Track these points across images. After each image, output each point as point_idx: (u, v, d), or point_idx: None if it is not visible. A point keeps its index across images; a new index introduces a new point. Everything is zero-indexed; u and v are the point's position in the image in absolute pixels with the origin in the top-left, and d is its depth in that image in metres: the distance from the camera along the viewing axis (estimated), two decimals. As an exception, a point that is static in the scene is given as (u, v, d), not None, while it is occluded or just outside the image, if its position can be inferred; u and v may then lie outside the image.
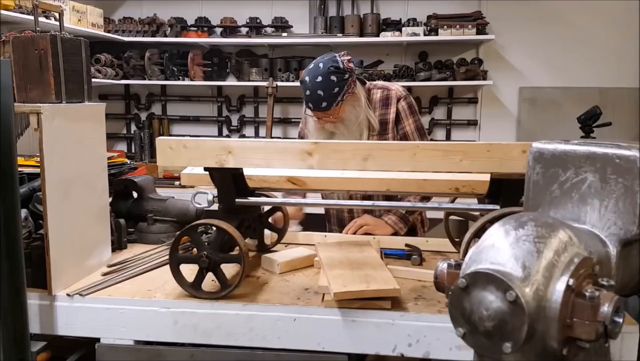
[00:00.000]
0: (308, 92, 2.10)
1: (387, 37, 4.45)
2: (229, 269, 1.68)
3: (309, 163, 1.56)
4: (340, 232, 2.31)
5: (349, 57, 2.16)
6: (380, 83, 2.35)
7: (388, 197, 2.14)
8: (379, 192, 1.96)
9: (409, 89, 4.54)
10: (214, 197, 1.76)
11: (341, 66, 2.10)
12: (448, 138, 4.69)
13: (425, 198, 2.19)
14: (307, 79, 2.11)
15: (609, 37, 4.46)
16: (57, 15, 2.15)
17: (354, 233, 2.21)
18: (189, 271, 1.61)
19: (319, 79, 2.07)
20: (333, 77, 2.08)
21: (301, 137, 2.48)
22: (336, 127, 2.18)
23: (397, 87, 2.32)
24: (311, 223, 2.50)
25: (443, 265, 0.95)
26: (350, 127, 2.17)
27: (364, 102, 2.21)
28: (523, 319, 0.75)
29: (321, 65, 2.10)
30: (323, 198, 2.28)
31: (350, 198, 2.16)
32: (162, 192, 2.36)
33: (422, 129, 2.31)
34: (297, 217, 2.40)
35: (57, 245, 1.60)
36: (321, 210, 2.62)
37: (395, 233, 2.23)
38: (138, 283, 1.72)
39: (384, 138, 2.23)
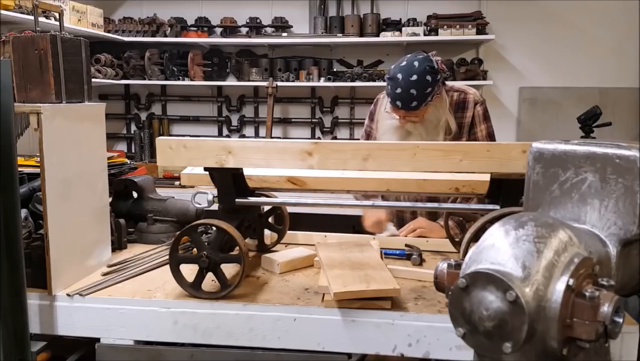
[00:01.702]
0: (399, 90, 2.04)
1: (387, 37, 4.45)
2: (229, 269, 1.68)
3: (309, 163, 1.56)
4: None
5: (440, 58, 2.15)
6: (456, 85, 2.33)
7: (432, 199, 2.12)
8: (379, 191, 1.96)
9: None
10: (214, 197, 1.76)
11: (436, 66, 2.08)
12: (448, 138, 4.69)
13: (467, 199, 2.16)
14: (399, 76, 2.05)
15: (609, 37, 4.47)
16: (57, 15, 2.15)
17: (406, 236, 2.19)
18: (189, 271, 1.61)
19: (414, 77, 2.03)
20: (428, 77, 2.05)
21: (367, 133, 2.44)
22: (415, 127, 2.14)
23: (474, 90, 2.32)
24: (312, 223, 2.50)
25: (443, 265, 0.95)
26: (429, 129, 2.15)
27: (447, 104, 2.20)
28: (523, 319, 0.75)
29: (416, 64, 2.06)
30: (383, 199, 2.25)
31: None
32: (162, 192, 2.35)
33: (493, 135, 2.31)
34: (390, 219, 2.36)
35: (57, 245, 1.60)
36: (321, 211, 2.62)
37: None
38: (138, 283, 1.72)
39: (459, 141, 2.21)
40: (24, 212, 1.75)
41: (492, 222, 1.43)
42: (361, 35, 4.52)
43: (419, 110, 2.09)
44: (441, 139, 2.17)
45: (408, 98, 2.05)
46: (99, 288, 1.66)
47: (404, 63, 2.09)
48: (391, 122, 2.18)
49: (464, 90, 2.30)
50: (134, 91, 5.09)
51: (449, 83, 2.35)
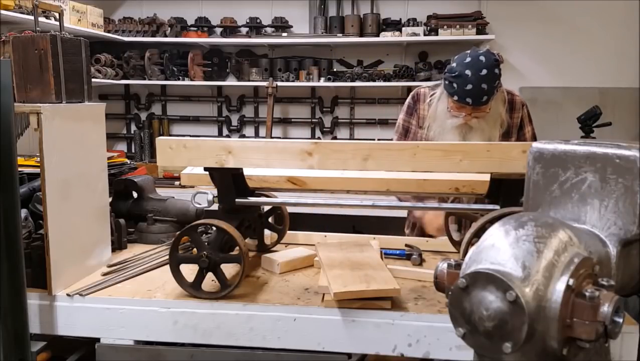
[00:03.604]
0: (470, 87, 2.01)
1: (387, 37, 4.45)
2: (229, 269, 1.68)
3: (309, 163, 1.56)
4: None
5: (497, 50, 2.15)
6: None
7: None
8: (379, 191, 1.96)
9: (408, 89, 4.59)
10: (214, 197, 1.76)
11: (498, 59, 2.08)
12: (448, 138, 4.69)
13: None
14: (468, 72, 2.01)
15: (609, 37, 4.46)
16: (57, 15, 2.15)
17: None
18: (189, 271, 1.61)
19: (484, 72, 2.01)
20: (496, 70, 2.04)
21: (405, 128, 2.36)
22: (479, 122, 2.12)
23: (517, 92, 2.33)
24: (312, 223, 2.49)
25: (443, 265, 0.95)
26: (490, 122, 2.14)
27: (505, 96, 2.20)
28: (523, 319, 0.75)
29: (483, 58, 2.04)
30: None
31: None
32: (162, 192, 2.35)
33: (536, 137, 2.32)
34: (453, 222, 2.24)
35: (57, 245, 1.60)
36: (321, 211, 2.60)
37: None
38: (138, 283, 1.72)
39: (507, 140, 2.21)
40: (24, 212, 1.75)
41: (492, 222, 1.43)
42: (361, 35, 4.52)
43: (489, 103, 2.08)
44: (498, 133, 2.16)
45: (480, 93, 2.02)
46: (99, 288, 1.66)
47: (469, 60, 2.05)
48: (452, 120, 2.14)
49: (510, 92, 2.30)
50: (134, 91, 5.09)
51: None
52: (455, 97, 2.07)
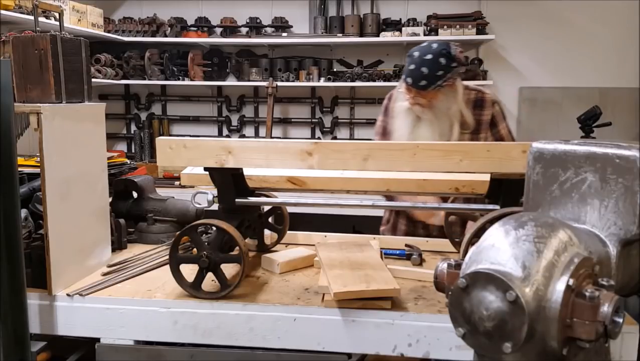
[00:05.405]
0: (412, 66, 2.09)
1: (387, 37, 4.45)
2: (229, 269, 1.68)
3: (309, 163, 1.56)
4: None
5: (462, 50, 2.17)
6: (471, 85, 2.35)
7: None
8: (380, 192, 1.96)
9: (409, 89, 4.59)
10: (214, 197, 1.76)
11: (452, 53, 2.12)
12: (448, 138, 4.69)
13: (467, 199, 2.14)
14: (415, 54, 2.10)
15: (609, 37, 4.46)
16: (57, 15, 2.15)
17: None
18: (189, 271, 1.61)
19: (428, 56, 2.07)
20: (442, 60, 2.08)
21: (383, 128, 2.39)
22: (424, 113, 2.16)
23: (490, 91, 2.35)
24: (312, 223, 2.49)
25: (443, 265, 0.95)
26: (438, 116, 2.16)
27: (460, 97, 2.21)
28: (523, 319, 0.75)
29: (434, 45, 2.11)
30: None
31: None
32: (162, 192, 2.35)
33: (512, 133, 2.34)
34: None
35: (57, 245, 1.60)
36: (321, 211, 2.60)
37: None
38: (138, 283, 1.72)
39: (477, 138, 2.24)
40: (24, 212, 1.75)
41: (492, 222, 1.43)
42: (361, 35, 4.52)
43: (427, 91, 2.10)
44: (456, 131, 2.18)
45: (419, 76, 2.07)
46: (99, 288, 1.66)
47: (425, 44, 2.13)
48: (402, 103, 2.20)
49: (481, 90, 2.32)
50: (134, 91, 5.09)
51: (466, 82, 2.35)
52: (403, 76, 2.14)
